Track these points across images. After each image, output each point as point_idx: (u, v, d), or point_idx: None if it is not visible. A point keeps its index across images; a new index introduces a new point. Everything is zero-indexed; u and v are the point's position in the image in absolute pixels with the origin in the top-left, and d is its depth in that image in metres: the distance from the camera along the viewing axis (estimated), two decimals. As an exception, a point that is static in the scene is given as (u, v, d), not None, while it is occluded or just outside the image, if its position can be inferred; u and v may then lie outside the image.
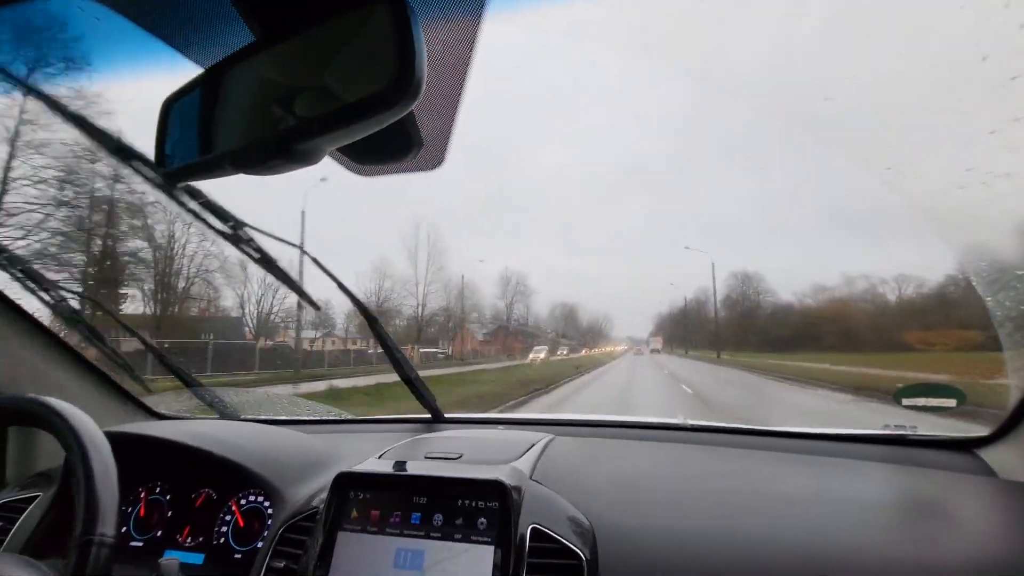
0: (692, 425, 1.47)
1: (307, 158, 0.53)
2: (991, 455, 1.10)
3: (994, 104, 0.72)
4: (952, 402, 1.10)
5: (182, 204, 1.10)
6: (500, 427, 1.44)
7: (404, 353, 1.47)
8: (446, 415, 1.60)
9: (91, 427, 0.75)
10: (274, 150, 0.51)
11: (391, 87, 0.43)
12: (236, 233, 1.21)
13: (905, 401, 1.14)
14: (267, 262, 1.28)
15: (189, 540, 1.08)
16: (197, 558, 1.05)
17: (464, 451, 1.00)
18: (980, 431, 1.14)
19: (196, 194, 1.13)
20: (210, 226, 1.18)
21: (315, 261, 1.34)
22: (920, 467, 1.09)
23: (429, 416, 1.59)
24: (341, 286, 1.38)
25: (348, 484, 0.89)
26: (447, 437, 1.14)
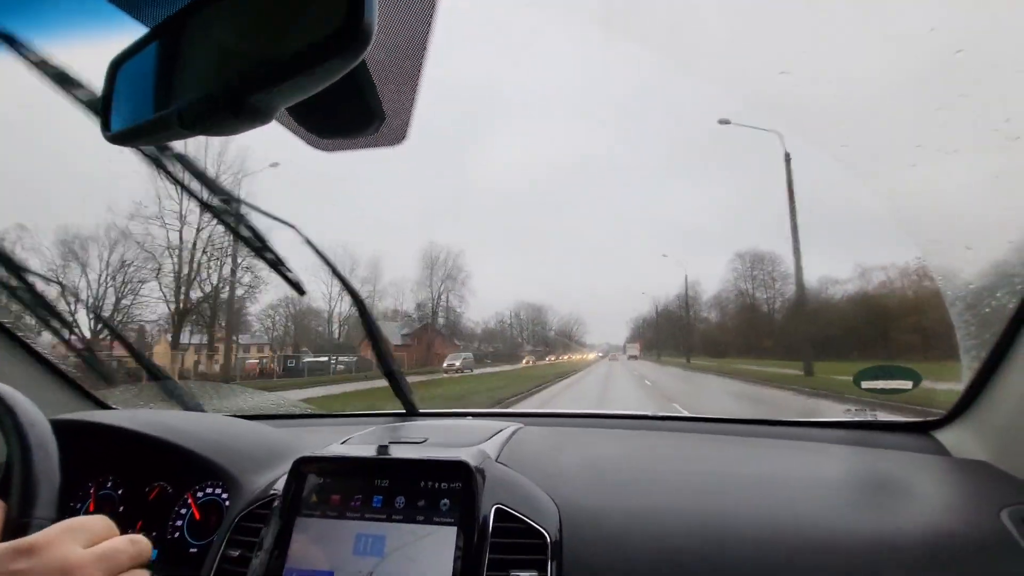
0: (661, 415, 1.48)
1: (257, 116, 0.51)
2: (945, 436, 1.14)
3: (942, 80, 0.75)
4: (908, 384, 1.14)
5: (170, 174, 1.05)
6: (470, 418, 1.43)
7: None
8: (421, 410, 1.58)
9: (29, 408, 0.71)
10: (222, 107, 0.49)
11: (339, 33, 0.42)
12: (226, 207, 1.16)
13: (864, 384, 1.17)
14: (258, 240, 1.22)
15: (142, 535, 1.03)
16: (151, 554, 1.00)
17: (429, 436, 0.98)
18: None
19: (186, 163, 1.08)
20: (200, 200, 1.13)
21: (308, 241, 1.30)
22: (880, 448, 1.12)
23: (403, 411, 1.57)
24: (335, 271, 1.35)
25: (307, 468, 0.87)
26: (414, 425, 1.12)
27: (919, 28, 0.74)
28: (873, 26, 0.85)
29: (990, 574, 0.70)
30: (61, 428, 0.72)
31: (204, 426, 1.12)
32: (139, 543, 0.58)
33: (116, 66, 0.61)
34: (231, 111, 0.49)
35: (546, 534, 0.77)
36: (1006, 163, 0.73)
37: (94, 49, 0.65)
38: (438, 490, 0.81)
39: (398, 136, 0.77)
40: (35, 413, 0.70)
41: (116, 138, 0.59)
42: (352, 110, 0.64)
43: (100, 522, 0.58)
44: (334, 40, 0.42)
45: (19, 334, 1.31)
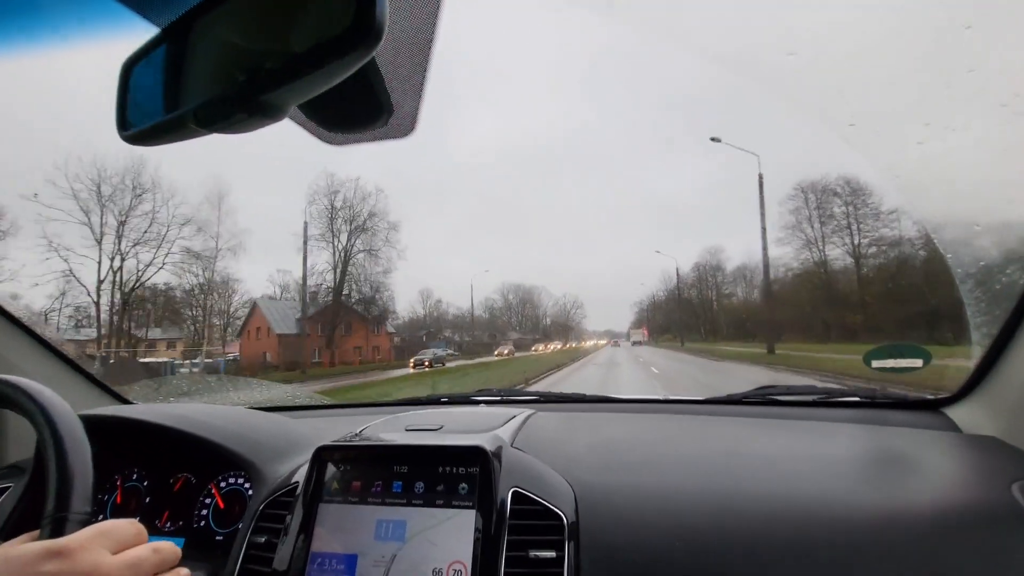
0: (670, 399, 1.49)
1: (271, 113, 0.52)
2: (956, 412, 1.15)
3: (949, 56, 0.74)
4: (919, 362, 1.14)
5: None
6: (483, 405, 1.45)
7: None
8: (431, 396, 1.60)
9: (62, 405, 0.73)
10: (236, 104, 0.50)
11: (348, 32, 0.43)
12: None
13: (875, 363, 1.18)
14: None
15: (168, 525, 1.07)
16: (177, 542, 1.03)
17: (444, 423, 1.00)
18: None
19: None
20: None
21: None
22: (890, 426, 1.13)
23: (417, 398, 1.60)
24: None
25: (328, 456, 0.89)
26: (428, 412, 1.14)
27: (926, 2, 0.73)
28: (881, 2, 0.85)
29: (1001, 546, 0.70)
30: (88, 423, 0.75)
31: (224, 418, 1.15)
32: (163, 551, 0.59)
33: (129, 67, 0.62)
34: (245, 109, 0.50)
35: (563, 515, 0.79)
36: (1014, 139, 0.73)
37: (106, 50, 0.66)
38: (456, 475, 0.83)
39: (406, 129, 0.78)
40: (66, 409, 0.72)
41: (132, 138, 0.61)
42: (361, 104, 0.65)
43: (130, 527, 0.59)
44: (346, 37, 0.43)
45: (38, 331, 1.34)
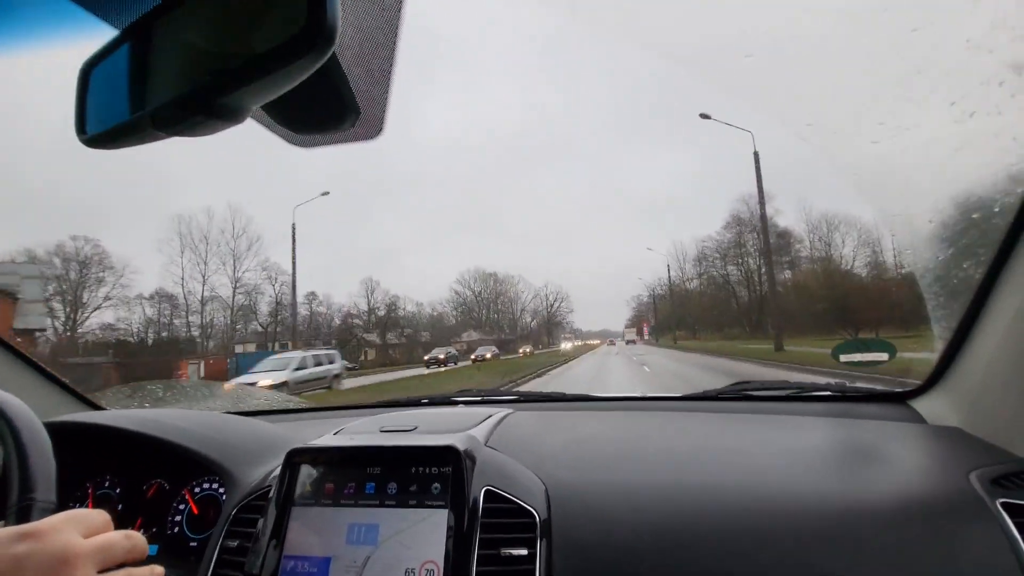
0: (647, 396, 1.51)
1: (229, 116, 0.52)
2: (921, 404, 1.18)
3: (899, 58, 0.77)
4: (884, 356, 1.17)
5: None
6: (461, 405, 1.45)
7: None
8: (410, 397, 1.60)
9: (22, 408, 0.72)
10: (195, 107, 0.50)
11: (302, 34, 0.43)
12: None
13: (842, 357, 1.21)
14: None
15: (142, 531, 1.05)
16: (151, 549, 1.02)
17: (419, 424, 1.01)
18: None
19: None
20: None
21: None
22: (858, 419, 1.16)
23: (395, 400, 1.59)
24: None
25: (300, 459, 0.89)
26: (403, 414, 1.14)
27: (873, 6, 0.76)
28: (831, 5, 0.87)
29: (958, 532, 0.73)
30: (56, 430, 0.74)
31: (198, 423, 1.14)
32: (134, 538, 0.60)
33: (88, 69, 0.61)
34: (203, 112, 0.50)
35: (535, 513, 0.80)
36: (963, 138, 0.76)
37: (63, 52, 0.65)
38: (429, 475, 0.83)
39: (374, 130, 0.78)
40: (28, 414, 0.71)
41: (91, 141, 0.60)
42: (326, 105, 0.65)
43: (99, 516, 0.60)
44: (299, 40, 0.43)
45: (6, 339, 1.31)
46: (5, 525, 0.59)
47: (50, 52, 0.64)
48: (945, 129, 0.78)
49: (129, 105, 0.56)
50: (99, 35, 0.59)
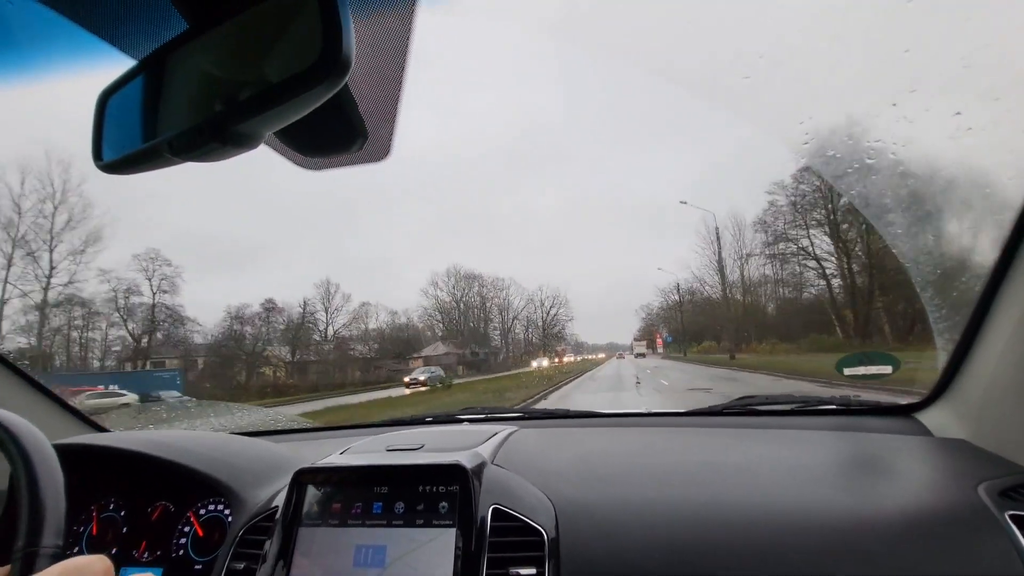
0: (651, 412, 1.51)
1: (243, 142, 0.53)
2: (927, 417, 1.18)
3: (892, 75, 0.79)
4: (888, 369, 1.17)
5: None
6: (466, 423, 1.45)
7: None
8: (415, 416, 1.60)
9: (35, 434, 0.72)
10: (209, 134, 0.52)
11: (317, 65, 0.44)
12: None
13: (846, 371, 1.21)
14: None
15: (147, 554, 1.05)
16: (156, 572, 1.02)
17: (425, 442, 1.00)
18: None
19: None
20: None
21: None
22: (864, 432, 1.15)
23: (400, 419, 1.59)
24: None
25: (307, 480, 0.89)
26: (409, 432, 1.14)
27: (868, 26, 0.78)
28: (824, 27, 0.89)
29: (968, 545, 0.73)
30: (62, 452, 0.74)
31: (203, 444, 1.14)
32: None
33: (105, 98, 0.63)
34: (219, 139, 0.52)
35: (543, 531, 0.79)
36: (957, 154, 0.77)
37: (82, 82, 0.67)
38: (436, 494, 0.83)
39: (381, 153, 0.80)
40: (40, 439, 0.71)
41: (108, 167, 0.61)
42: (336, 131, 0.67)
43: (98, 563, 0.59)
44: (315, 70, 0.45)
45: (11, 360, 1.32)
46: (10, 572, 0.59)
47: (69, 81, 0.65)
48: (939, 146, 0.80)
49: (146, 132, 0.58)
50: (117, 65, 0.61)
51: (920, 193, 0.87)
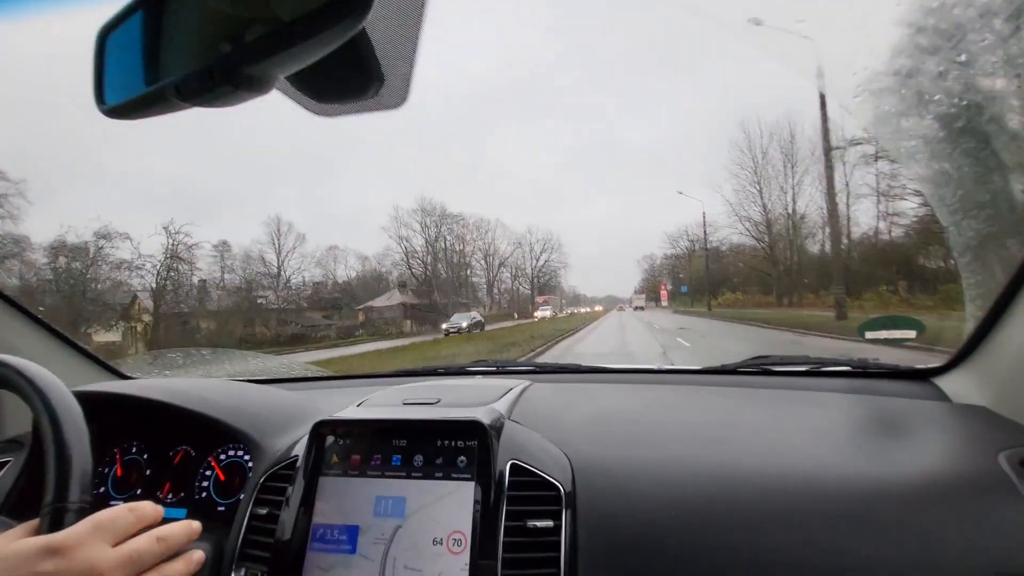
0: (664, 368, 1.51)
1: (256, 86, 0.50)
2: (946, 382, 1.16)
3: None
4: (912, 333, 1.15)
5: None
6: (478, 376, 1.46)
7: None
8: (426, 367, 1.61)
9: (60, 388, 0.71)
10: (220, 77, 0.48)
11: (336, 1, 0.40)
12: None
13: (868, 334, 1.19)
14: None
15: (170, 496, 1.08)
16: (180, 513, 1.05)
17: (441, 396, 1.01)
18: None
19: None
20: None
21: None
22: (881, 396, 1.15)
23: (411, 369, 1.61)
24: None
25: (326, 431, 0.90)
26: (424, 385, 1.14)
27: None
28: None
29: (987, 513, 0.72)
30: (84, 400, 0.74)
31: (221, 393, 1.15)
32: (167, 539, 0.59)
33: (104, 35, 0.58)
34: (231, 82, 0.48)
35: (560, 486, 0.80)
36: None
37: (80, 17, 0.62)
38: (455, 448, 0.84)
39: (398, 99, 0.75)
40: (63, 391, 0.71)
41: (112, 112, 0.58)
42: (351, 74, 0.62)
43: (129, 515, 0.59)
44: (334, 7, 0.41)
45: (30, 308, 1.32)
46: (38, 527, 0.59)
47: (67, 15, 0.61)
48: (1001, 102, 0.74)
49: (151, 74, 0.54)
50: (115, -1, 0.56)
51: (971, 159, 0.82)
